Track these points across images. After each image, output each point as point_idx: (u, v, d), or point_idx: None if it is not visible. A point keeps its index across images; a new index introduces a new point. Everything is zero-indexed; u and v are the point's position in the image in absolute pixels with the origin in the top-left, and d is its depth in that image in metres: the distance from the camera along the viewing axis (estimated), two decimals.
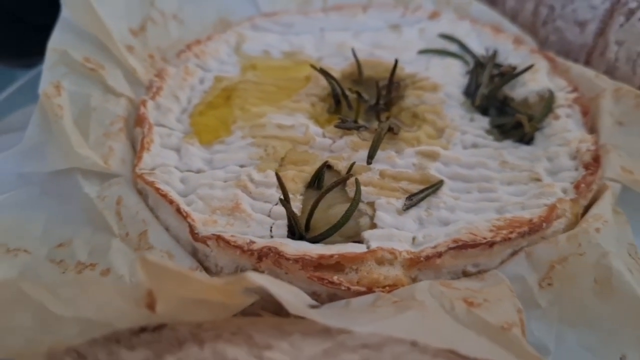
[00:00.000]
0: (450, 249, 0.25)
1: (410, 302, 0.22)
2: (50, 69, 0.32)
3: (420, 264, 0.25)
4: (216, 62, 0.37)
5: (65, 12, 0.35)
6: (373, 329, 0.18)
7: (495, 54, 0.37)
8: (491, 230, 0.26)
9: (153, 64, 0.37)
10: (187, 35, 0.40)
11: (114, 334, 0.19)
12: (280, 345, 0.17)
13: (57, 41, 0.33)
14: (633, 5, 0.35)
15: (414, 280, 0.25)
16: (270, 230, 0.27)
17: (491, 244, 0.26)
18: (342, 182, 0.28)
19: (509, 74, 0.34)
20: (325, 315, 0.19)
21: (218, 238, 0.26)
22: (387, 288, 0.25)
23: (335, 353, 0.16)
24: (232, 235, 0.26)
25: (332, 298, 0.25)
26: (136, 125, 0.33)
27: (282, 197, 0.27)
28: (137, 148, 0.32)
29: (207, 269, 0.27)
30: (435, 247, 0.26)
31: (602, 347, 0.25)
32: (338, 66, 0.37)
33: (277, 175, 0.27)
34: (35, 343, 0.20)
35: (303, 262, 0.25)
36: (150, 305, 0.18)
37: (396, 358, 0.16)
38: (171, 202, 0.27)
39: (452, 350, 0.18)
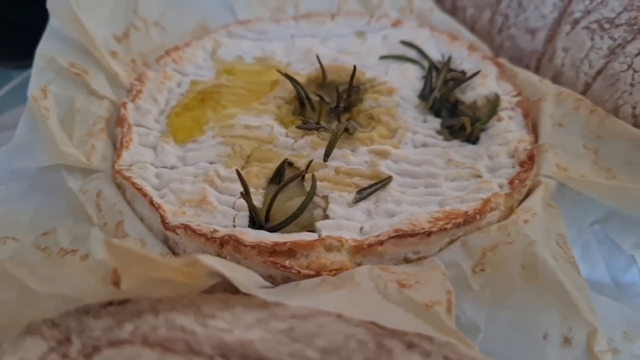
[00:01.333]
0: (391, 237, 0.29)
1: (348, 283, 0.25)
2: (38, 73, 0.35)
3: (364, 251, 0.28)
4: (193, 67, 0.40)
5: (52, 21, 0.38)
6: (304, 303, 0.21)
7: (449, 59, 0.40)
8: (430, 222, 0.29)
9: (135, 68, 0.40)
10: (168, 41, 0.43)
11: (84, 306, 0.22)
12: (223, 315, 0.20)
13: (45, 48, 0.36)
14: (578, 15, 0.38)
15: (358, 265, 0.29)
16: (234, 221, 0.30)
17: (429, 234, 0.29)
18: (298, 177, 0.31)
19: (460, 79, 0.37)
20: (267, 293, 0.22)
21: (186, 227, 0.29)
22: (334, 272, 0.28)
23: (267, 321, 0.19)
24: (198, 225, 0.29)
25: (286, 280, 0.28)
26: (117, 125, 0.36)
27: (242, 191, 0.30)
28: (117, 146, 0.35)
29: (176, 255, 0.30)
30: (378, 235, 0.29)
31: (528, 327, 0.28)
32: (305, 71, 0.40)
33: (237, 172, 0.30)
34: (17, 317, 0.23)
35: (259, 248, 0.28)
36: (116, 283, 0.21)
37: (320, 327, 0.20)
38: (145, 195, 0.31)
39: (373, 322, 0.21)
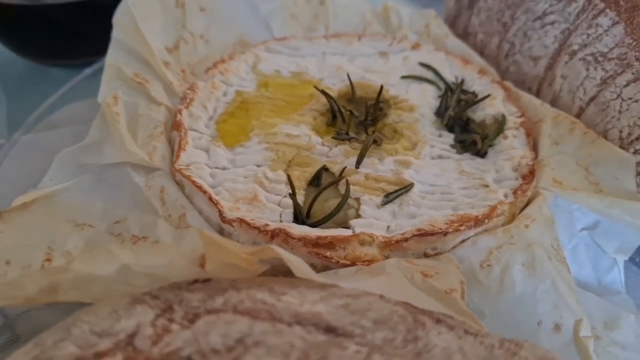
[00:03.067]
0: (415, 235, 0.34)
1: (380, 272, 0.31)
2: (107, 82, 0.40)
3: (391, 246, 0.34)
4: (237, 79, 0.45)
5: (115, 33, 0.43)
6: (354, 285, 0.27)
7: (462, 82, 0.45)
8: (446, 223, 0.35)
9: (184, 77, 0.45)
10: (212, 53, 0.48)
11: (174, 283, 0.27)
12: (292, 293, 0.25)
13: (112, 58, 0.41)
14: (575, 47, 0.44)
15: (386, 257, 0.34)
16: (280, 217, 0.35)
17: (445, 233, 0.34)
18: (335, 182, 0.36)
19: (472, 101, 0.43)
20: (322, 276, 0.27)
21: (241, 221, 0.34)
22: (366, 263, 0.33)
23: (328, 298, 0.25)
24: (251, 219, 0.34)
25: (325, 269, 0.34)
26: (173, 129, 0.41)
27: (290, 192, 0.35)
28: (174, 148, 0.40)
29: None
30: (403, 234, 0.34)
31: (525, 315, 0.33)
32: (336, 86, 0.45)
33: (288, 176, 0.35)
34: (114, 291, 0.28)
35: (305, 241, 0.33)
36: (202, 265, 0.27)
37: (369, 304, 0.25)
38: (204, 192, 0.36)
39: (408, 303, 0.26)
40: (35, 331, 0.35)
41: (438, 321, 0.25)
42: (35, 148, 0.45)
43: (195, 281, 0.27)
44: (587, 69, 0.42)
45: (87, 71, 0.52)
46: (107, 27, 0.58)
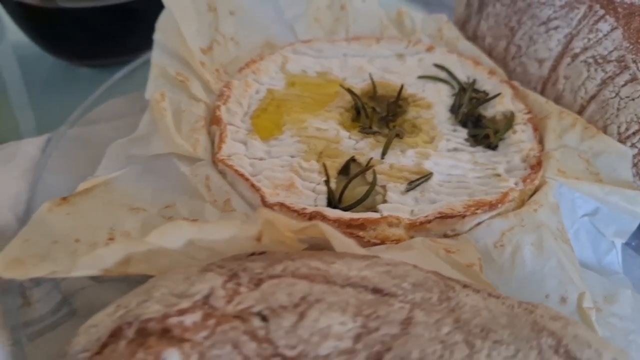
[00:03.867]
0: (436, 218, 0.38)
1: (410, 248, 0.35)
2: (153, 80, 0.44)
3: (416, 227, 0.38)
4: (267, 78, 0.49)
5: (157, 36, 0.47)
6: (391, 257, 0.31)
7: (474, 81, 0.49)
8: (464, 207, 0.39)
9: (219, 76, 0.49)
10: (241, 54, 0.52)
11: (233, 255, 0.31)
12: (339, 262, 0.29)
13: (157, 59, 0.45)
14: (577, 50, 0.48)
15: (411, 237, 0.38)
16: (315, 202, 0.39)
17: (463, 216, 0.39)
18: (364, 171, 0.41)
19: (483, 99, 0.47)
20: (363, 250, 0.31)
21: (281, 205, 0.38)
22: (394, 242, 0.37)
23: (371, 266, 0.29)
24: (290, 203, 0.38)
25: None
26: (212, 123, 0.45)
27: (325, 179, 0.39)
28: (214, 140, 0.44)
29: None
30: (426, 216, 0.38)
31: (534, 289, 0.38)
32: (358, 85, 0.49)
33: (323, 164, 0.40)
34: (176, 264, 0.32)
35: (339, 222, 0.37)
36: (259, 239, 0.31)
37: (407, 271, 0.29)
38: (247, 179, 0.40)
39: (436, 272, 0.31)
40: (89, 306, 0.39)
41: (465, 286, 0.29)
42: (80, 141, 0.48)
43: (252, 254, 0.31)
44: (588, 70, 0.47)
45: (124, 71, 0.55)
46: (135, 29, 0.62)
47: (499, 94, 0.47)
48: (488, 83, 0.50)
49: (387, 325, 0.25)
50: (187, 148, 0.42)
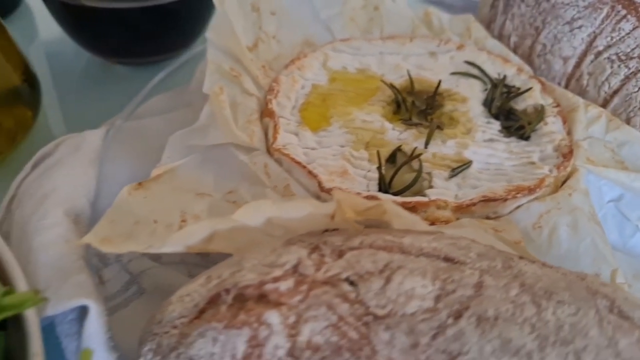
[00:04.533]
0: (481, 201, 0.41)
1: (461, 227, 0.38)
2: (210, 75, 0.47)
3: (462, 210, 0.41)
4: (311, 74, 0.52)
5: (210, 35, 0.50)
6: (452, 233, 0.34)
7: (504, 77, 0.53)
8: (505, 192, 0.42)
9: (265, 72, 0.52)
10: (283, 52, 0.55)
11: (309, 232, 0.34)
12: (408, 236, 0.32)
13: (212, 56, 0.48)
14: (601, 48, 0.51)
15: (458, 219, 0.41)
16: (367, 187, 0.43)
17: (505, 200, 0.42)
18: (412, 159, 0.44)
19: (515, 93, 0.50)
20: (425, 226, 0.35)
21: (338, 189, 0.41)
22: (443, 223, 0.40)
23: (437, 239, 0.32)
24: (346, 188, 0.41)
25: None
26: (264, 116, 0.48)
27: (378, 166, 0.42)
28: (267, 132, 0.47)
29: None
30: (471, 199, 0.42)
31: (570, 267, 0.40)
32: (396, 81, 0.52)
33: (377, 152, 0.43)
34: (253, 241, 0.35)
35: None
36: (332, 217, 0.34)
37: (468, 244, 0.32)
38: (304, 167, 0.43)
39: (492, 246, 0.34)
40: (155, 285, 0.42)
41: (521, 258, 0.33)
42: (134, 133, 0.51)
43: (325, 231, 0.34)
44: (612, 67, 0.50)
45: (168, 69, 0.59)
46: (169, 30, 0.65)
47: (530, 88, 0.50)
48: (517, 79, 0.53)
49: (462, 288, 0.28)
50: (245, 138, 0.45)
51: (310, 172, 0.42)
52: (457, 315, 0.27)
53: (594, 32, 0.52)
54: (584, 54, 0.52)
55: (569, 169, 0.45)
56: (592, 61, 0.52)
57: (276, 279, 0.29)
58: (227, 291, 0.29)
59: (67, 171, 0.42)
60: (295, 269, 0.30)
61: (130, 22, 0.64)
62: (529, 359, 0.26)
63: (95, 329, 0.32)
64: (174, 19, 0.66)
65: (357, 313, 0.27)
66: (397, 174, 0.43)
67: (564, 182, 0.45)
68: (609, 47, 0.51)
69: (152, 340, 0.31)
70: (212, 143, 0.45)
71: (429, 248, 0.31)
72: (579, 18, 0.52)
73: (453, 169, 0.44)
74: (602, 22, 0.51)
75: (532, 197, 0.43)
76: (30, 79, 0.57)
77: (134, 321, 0.36)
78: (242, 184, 0.43)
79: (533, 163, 0.45)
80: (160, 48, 0.70)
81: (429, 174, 0.44)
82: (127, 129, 0.52)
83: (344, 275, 0.29)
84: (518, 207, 0.43)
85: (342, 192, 0.33)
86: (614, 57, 0.50)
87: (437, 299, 0.28)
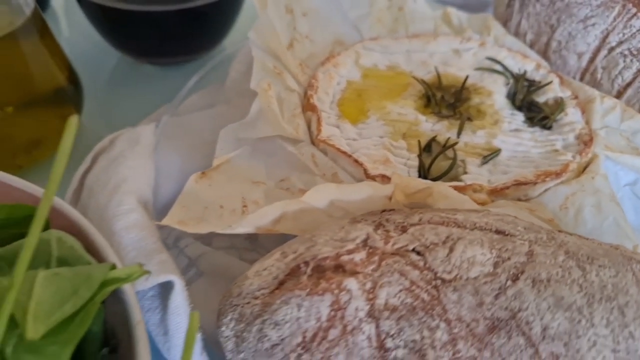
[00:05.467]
0: (513, 185, 0.45)
1: (498, 207, 0.42)
2: (257, 72, 0.50)
3: (496, 193, 0.45)
4: (345, 71, 0.56)
5: (252, 35, 0.53)
6: (496, 211, 0.38)
7: (525, 72, 0.57)
8: (535, 176, 0.46)
9: (302, 70, 0.56)
10: (316, 51, 0.59)
11: (369, 212, 0.38)
12: (459, 213, 0.36)
13: (256, 54, 0.52)
14: (614, 44, 0.56)
15: (493, 201, 0.45)
16: (408, 174, 0.46)
17: (535, 183, 0.46)
18: (448, 147, 0.48)
19: (536, 86, 0.54)
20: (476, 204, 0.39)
21: (383, 176, 0.45)
22: (480, 205, 0.44)
23: (486, 216, 0.36)
24: (390, 174, 0.45)
25: None
26: (306, 110, 0.51)
27: (418, 154, 0.46)
28: (310, 125, 0.51)
29: None
30: (504, 183, 0.46)
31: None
32: (423, 77, 0.56)
33: (418, 142, 0.47)
34: (316, 222, 0.39)
35: None
36: (390, 198, 0.38)
37: (513, 219, 0.36)
38: (349, 156, 0.46)
39: (532, 223, 0.38)
40: (212, 268, 0.46)
41: (560, 231, 0.37)
42: (180, 128, 0.55)
43: (383, 211, 0.38)
44: (624, 61, 0.54)
45: (206, 69, 0.62)
46: (199, 32, 0.69)
47: (550, 82, 0.54)
48: (536, 74, 0.57)
49: (515, 256, 0.32)
50: (291, 131, 0.48)
51: (356, 161, 0.46)
52: (515, 278, 0.31)
53: (607, 29, 0.56)
54: (598, 50, 0.57)
55: (589, 156, 0.49)
56: (605, 56, 0.56)
57: (350, 251, 0.33)
58: (307, 263, 0.33)
59: (132, 163, 0.45)
60: (365, 242, 0.34)
61: (164, 24, 0.67)
62: (580, 313, 0.30)
63: (180, 301, 0.36)
64: (204, 21, 0.69)
65: (427, 278, 0.31)
66: (434, 161, 0.47)
67: (585, 167, 0.49)
68: (621, 42, 0.55)
69: (233, 310, 0.35)
70: (261, 135, 0.48)
71: (481, 222, 0.35)
72: (592, 16, 0.57)
73: (484, 157, 0.48)
74: (614, 19, 0.55)
75: (558, 180, 0.47)
76: (74, 80, 0.60)
77: (198, 299, 0.39)
78: (293, 172, 0.47)
79: (557, 150, 0.49)
80: (189, 49, 0.73)
81: (463, 161, 0.48)
82: (171, 124, 0.55)
83: (410, 247, 0.33)
84: (546, 190, 0.46)
85: (400, 175, 0.37)
86: (626, 52, 0.54)
87: (496, 265, 0.32)
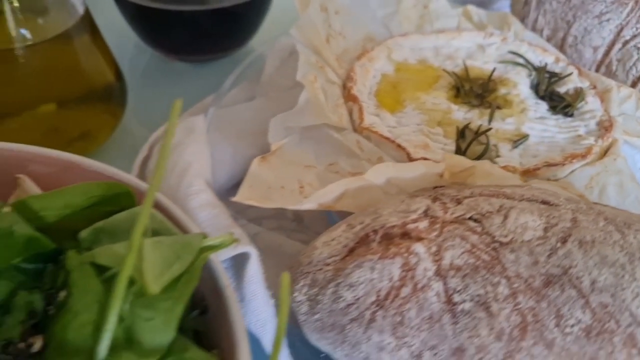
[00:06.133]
0: (543, 166, 0.50)
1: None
2: (302, 66, 0.54)
3: (528, 173, 0.49)
4: (379, 64, 0.60)
5: (293, 32, 0.57)
6: (537, 186, 0.42)
7: (546, 64, 0.61)
8: (562, 158, 0.51)
9: (339, 64, 0.60)
10: (349, 46, 0.63)
11: (422, 189, 0.42)
12: (505, 188, 0.40)
13: (300, 49, 0.55)
14: (628, 37, 0.60)
15: (526, 181, 0.49)
16: None
17: (563, 164, 0.50)
18: (482, 133, 0.52)
19: (558, 77, 0.59)
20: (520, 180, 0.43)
21: (424, 159, 0.49)
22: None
23: (529, 190, 0.40)
24: (431, 158, 0.49)
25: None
26: (347, 101, 0.55)
27: (455, 139, 0.50)
28: (352, 114, 0.54)
29: None
30: (535, 165, 0.50)
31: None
32: (452, 70, 0.60)
33: (457, 128, 0.51)
34: (373, 199, 0.43)
35: None
36: (441, 175, 0.42)
37: (554, 192, 0.40)
38: (392, 141, 0.50)
39: (570, 196, 0.42)
40: (267, 246, 0.49)
41: (595, 203, 0.41)
42: (223, 119, 0.58)
43: (435, 187, 0.42)
44: (638, 53, 0.59)
45: (243, 65, 0.66)
46: (231, 31, 0.72)
47: (570, 73, 0.59)
48: (556, 66, 0.61)
49: (562, 222, 0.36)
50: (336, 119, 0.52)
51: (399, 146, 0.50)
52: (563, 241, 0.35)
53: (621, 24, 0.60)
54: (612, 43, 0.61)
55: (610, 140, 0.54)
56: (620, 49, 0.60)
57: (414, 220, 0.37)
58: (375, 232, 0.37)
59: (192, 150, 0.49)
60: (426, 213, 0.38)
61: (198, 23, 0.71)
62: (623, 269, 0.34)
63: (255, 270, 0.39)
64: (235, 20, 0.73)
65: (486, 241, 0.35)
66: (469, 146, 0.51)
67: (606, 151, 0.53)
68: (634, 36, 0.59)
69: (304, 277, 0.38)
70: (308, 124, 0.52)
71: (528, 195, 0.39)
72: (607, 12, 0.61)
73: (514, 142, 0.52)
74: (628, 15, 0.60)
75: (583, 162, 0.51)
76: (120, 76, 0.63)
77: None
78: (340, 157, 0.50)
79: (580, 136, 0.54)
80: (219, 47, 0.77)
81: (495, 146, 0.52)
82: (217, 116, 0.59)
83: (467, 215, 0.37)
84: (572, 171, 0.51)
85: (450, 155, 0.41)
86: (639, 45, 0.59)
87: (545, 229, 0.36)
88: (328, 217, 0.52)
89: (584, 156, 0.51)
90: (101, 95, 0.61)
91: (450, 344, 0.33)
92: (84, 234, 0.34)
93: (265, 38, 0.76)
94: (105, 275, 0.30)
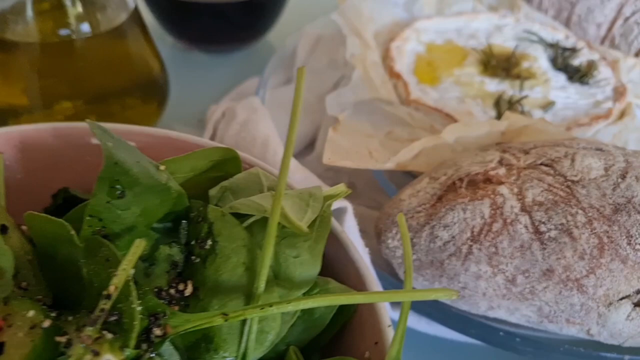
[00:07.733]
0: (575, 126, 0.56)
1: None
2: (350, 47, 0.59)
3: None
4: (412, 45, 0.66)
5: (335, 17, 0.62)
6: (584, 138, 0.48)
7: (558, 41, 0.68)
8: (589, 119, 0.57)
9: (376, 45, 0.65)
10: (378, 29, 0.68)
11: (485, 145, 0.48)
12: (562, 140, 0.46)
13: (347, 33, 0.60)
14: (628, 14, 0.67)
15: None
16: None
17: (590, 124, 0.57)
18: (517, 101, 0.58)
19: (571, 51, 0.66)
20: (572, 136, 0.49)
21: (510, 112, 0.55)
22: None
23: (580, 140, 0.46)
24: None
25: None
26: (391, 77, 0.61)
27: (493, 106, 0.56)
28: (397, 90, 0.60)
29: None
30: (567, 124, 0.56)
31: None
32: (476, 48, 0.67)
33: (498, 96, 0.57)
34: (440, 156, 0.48)
35: None
36: (503, 133, 0.47)
37: (599, 142, 0.47)
38: (440, 111, 0.56)
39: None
40: None
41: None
42: (271, 101, 0.63)
43: (498, 143, 0.48)
44: (639, 28, 0.66)
45: (280, 53, 0.70)
46: (251, 23, 0.77)
47: (582, 47, 0.66)
48: (566, 42, 0.68)
49: (617, 163, 0.42)
50: (385, 94, 0.57)
51: (447, 115, 0.56)
52: (623, 177, 0.41)
53: (621, 2, 0.68)
54: (614, 20, 0.68)
55: (625, 103, 0.61)
56: (622, 25, 0.68)
57: (494, 168, 0.42)
58: (461, 180, 0.42)
59: (265, 124, 0.53)
60: (501, 162, 0.43)
61: (223, 14, 0.76)
62: None
63: (352, 222, 0.44)
64: (259, 12, 0.78)
65: (559, 181, 0.41)
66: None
67: (623, 113, 0.60)
68: (634, 13, 0.67)
69: (396, 225, 0.43)
70: (362, 99, 0.57)
71: (583, 143, 0.45)
72: None
73: (544, 107, 0.59)
74: None
75: (606, 122, 0.58)
76: (163, 68, 0.67)
77: None
78: (395, 127, 0.56)
79: (599, 101, 0.61)
80: (240, 38, 0.81)
81: (528, 112, 0.58)
82: (265, 98, 0.63)
83: (538, 162, 0.43)
84: (597, 131, 0.57)
85: (513, 113, 0.47)
86: (639, 20, 0.66)
87: (606, 169, 0.42)
88: (380, 182, 0.56)
89: (606, 117, 0.57)
90: (149, 86, 0.65)
91: (540, 266, 0.39)
92: (212, 191, 0.38)
93: (278, 33, 0.81)
94: (244, 223, 0.34)
